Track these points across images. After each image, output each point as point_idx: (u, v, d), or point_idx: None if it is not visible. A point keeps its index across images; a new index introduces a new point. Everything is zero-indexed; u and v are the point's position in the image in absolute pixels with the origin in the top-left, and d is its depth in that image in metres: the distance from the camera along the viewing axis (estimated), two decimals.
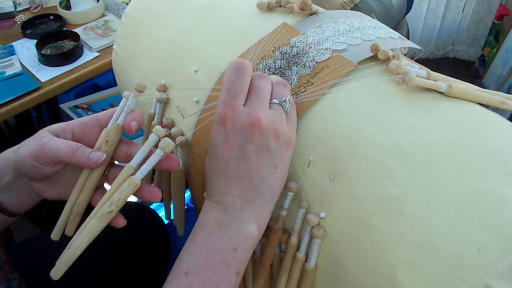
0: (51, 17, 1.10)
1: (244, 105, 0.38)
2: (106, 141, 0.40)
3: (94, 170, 0.41)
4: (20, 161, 0.41)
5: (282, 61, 0.46)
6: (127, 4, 1.10)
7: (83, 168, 0.41)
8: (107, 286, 0.66)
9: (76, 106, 1.17)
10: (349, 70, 0.43)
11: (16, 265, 0.60)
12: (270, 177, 0.38)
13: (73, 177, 0.44)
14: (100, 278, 0.66)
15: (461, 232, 0.34)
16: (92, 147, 0.41)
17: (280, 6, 0.52)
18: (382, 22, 0.51)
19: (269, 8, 0.52)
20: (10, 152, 0.44)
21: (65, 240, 0.55)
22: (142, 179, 0.39)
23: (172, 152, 0.53)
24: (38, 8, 1.16)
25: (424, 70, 0.43)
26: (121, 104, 0.41)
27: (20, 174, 0.43)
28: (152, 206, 1.02)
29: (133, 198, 1.15)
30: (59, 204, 0.47)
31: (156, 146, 0.39)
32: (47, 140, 0.40)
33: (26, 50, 1.01)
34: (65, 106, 1.16)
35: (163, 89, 0.53)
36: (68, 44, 1.01)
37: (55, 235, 0.43)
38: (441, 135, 0.38)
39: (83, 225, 0.39)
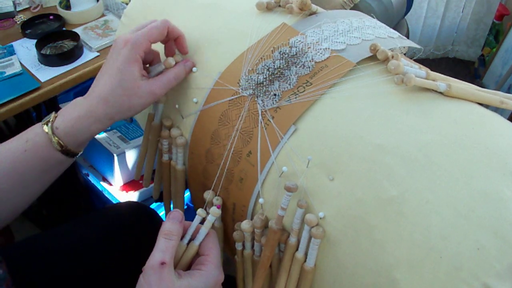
0: (51, 17, 1.10)
1: None
2: None
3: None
4: (133, 111, 0.48)
5: (281, 61, 0.46)
6: (127, 4, 1.10)
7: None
8: (106, 286, 0.66)
9: None
10: (348, 70, 0.43)
11: (15, 264, 0.59)
12: None
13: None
14: (99, 278, 0.66)
15: (460, 232, 0.34)
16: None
17: (279, 6, 0.52)
18: (382, 22, 0.51)
19: (268, 8, 0.52)
20: (92, 109, 0.48)
21: (63, 242, 0.55)
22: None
23: (172, 153, 0.54)
24: (38, 8, 1.16)
25: (423, 70, 0.43)
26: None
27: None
28: (152, 206, 1.02)
29: (133, 198, 1.15)
30: (59, 205, 0.48)
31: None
32: (160, 91, 0.48)
33: (26, 50, 1.01)
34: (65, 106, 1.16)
35: None
36: (68, 44, 1.01)
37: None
38: (440, 135, 0.38)
39: None
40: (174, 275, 0.39)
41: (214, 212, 0.44)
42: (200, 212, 0.44)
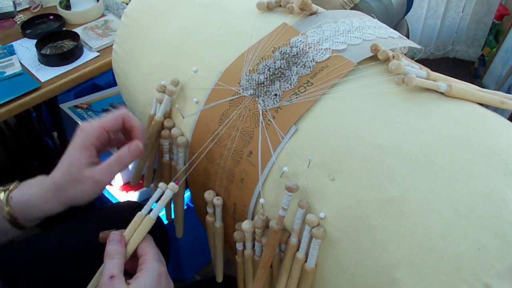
0: (51, 17, 1.10)
1: None
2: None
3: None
4: (79, 198, 0.49)
5: (282, 61, 0.46)
6: (127, 4, 1.10)
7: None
8: None
9: (76, 106, 1.17)
10: (349, 70, 0.43)
11: (14, 264, 0.59)
12: None
13: None
14: None
15: (461, 232, 0.34)
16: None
17: (280, 6, 0.52)
18: (382, 22, 0.51)
19: (269, 8, 0.52)
20: (49, 195, 0.48)
21: (63, 242, 0.55)
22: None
23: (172, 153, 0.54)
24: (38, 8, 1.16)
25: (424, 70, 0.43)
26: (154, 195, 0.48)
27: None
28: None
29: (133, 198, 1.14)
30: None
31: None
32: (101, 177, 0.48)
33: (26, 50, 1.01)
34: (65, 106, 1.16)
35: (163, 89, 0.53)
36: (68, 44, 1.01)
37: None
38: (441, 135, 0.38)
39: None
40: (125, 285, 0.43)
41: (173, 187, 0.46)
42: (161, 185, 0.46)
